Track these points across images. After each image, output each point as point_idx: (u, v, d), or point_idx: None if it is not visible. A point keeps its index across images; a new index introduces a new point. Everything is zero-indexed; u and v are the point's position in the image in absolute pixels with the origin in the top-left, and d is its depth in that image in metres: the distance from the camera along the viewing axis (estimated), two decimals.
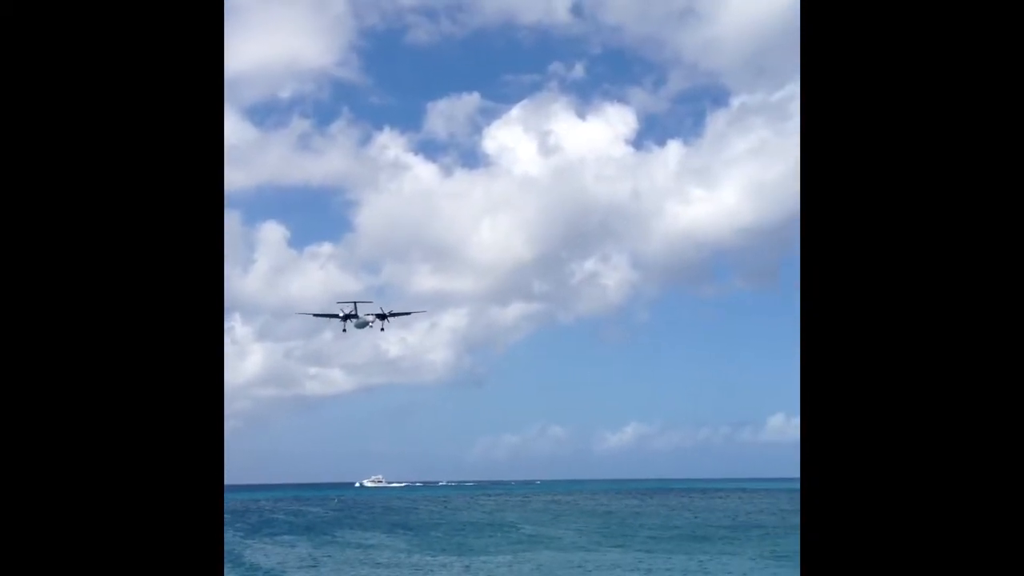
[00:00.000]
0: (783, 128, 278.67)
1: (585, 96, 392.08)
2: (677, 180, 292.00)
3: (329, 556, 64.16)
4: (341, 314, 79.87)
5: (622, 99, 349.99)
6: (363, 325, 79.90)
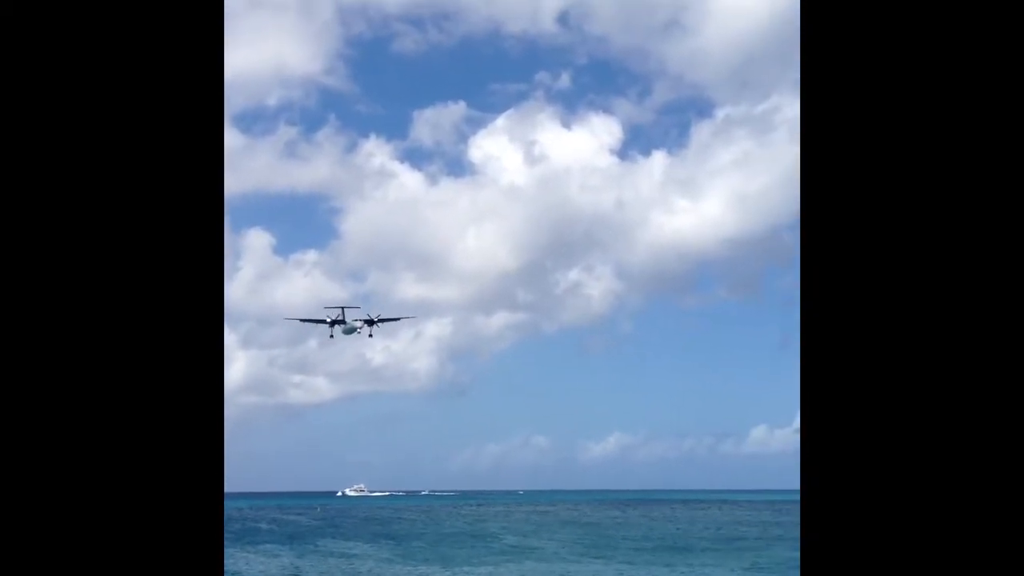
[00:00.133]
0: (767, 140, 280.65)
1: (571, 106, 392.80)
2: (662, 191, 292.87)
3: (312, 566, 63.94)
4: (328, 320, 79.00)
5: (607, 109, 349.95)
6: (351, 331, 78.89)
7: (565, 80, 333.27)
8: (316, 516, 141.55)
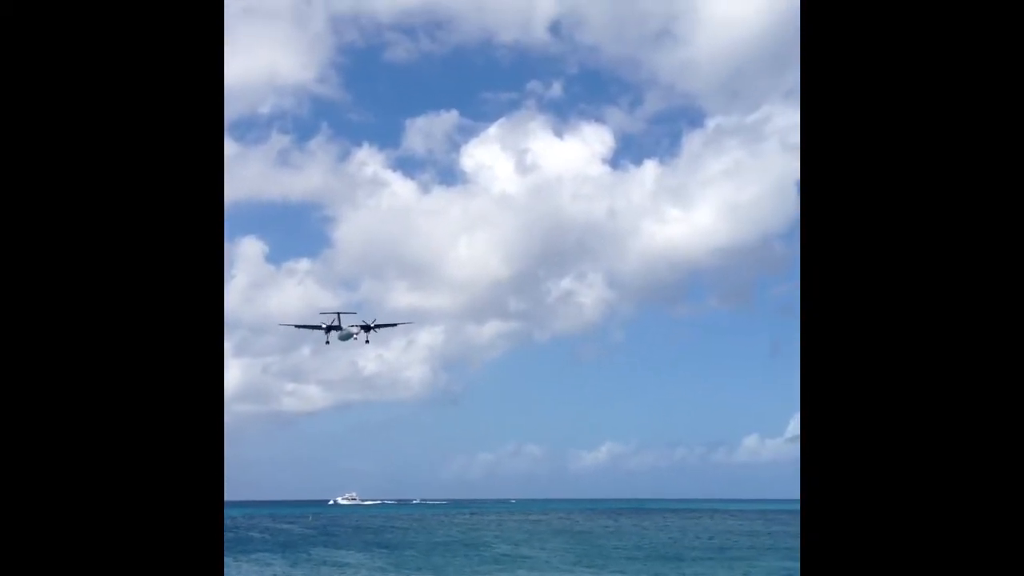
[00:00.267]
0: (758, 149, 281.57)
1: (562, 115, 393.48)
2: (653, 200, 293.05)
3: (305, 574, 63.94)
4: (324, 326, 77.34)
5: (599, 118, 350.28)
6: (347, 337, 77.00)
7: (557, 89, 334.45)
8: (308, 525, 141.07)
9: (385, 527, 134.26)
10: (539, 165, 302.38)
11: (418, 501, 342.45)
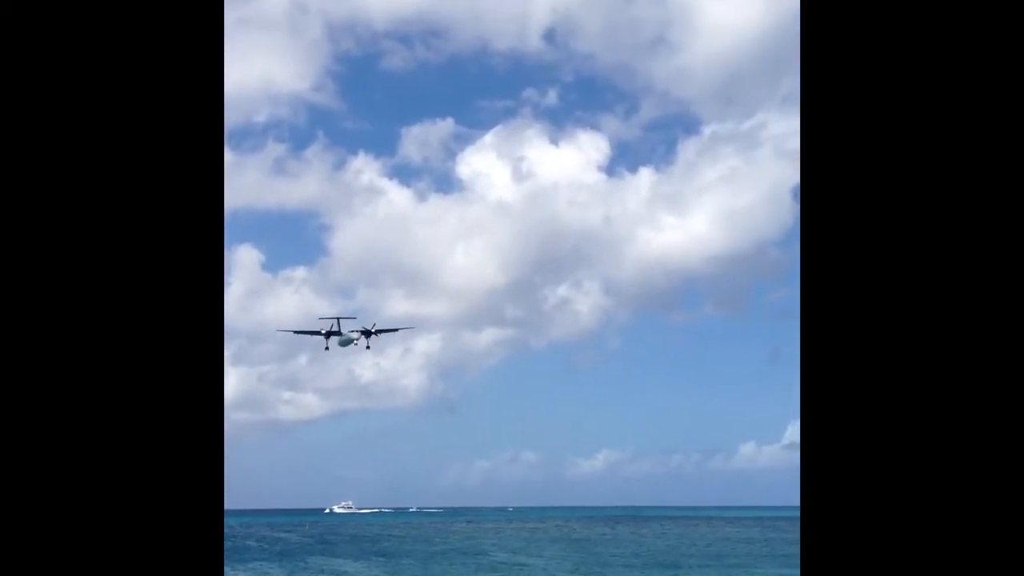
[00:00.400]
0: (753, 157, 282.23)
1: (558, 123, 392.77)
2: (649, 207, 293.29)
3: None
4: (323, 331, 76.14)
5: (594, 126, 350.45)
6: (347, 342, 75.57)
7: (552, 97, 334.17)
8: (306, 533, 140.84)
9: (382, 535, 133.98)
10: (535, 173, 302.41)
11: (415, 509, 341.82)
